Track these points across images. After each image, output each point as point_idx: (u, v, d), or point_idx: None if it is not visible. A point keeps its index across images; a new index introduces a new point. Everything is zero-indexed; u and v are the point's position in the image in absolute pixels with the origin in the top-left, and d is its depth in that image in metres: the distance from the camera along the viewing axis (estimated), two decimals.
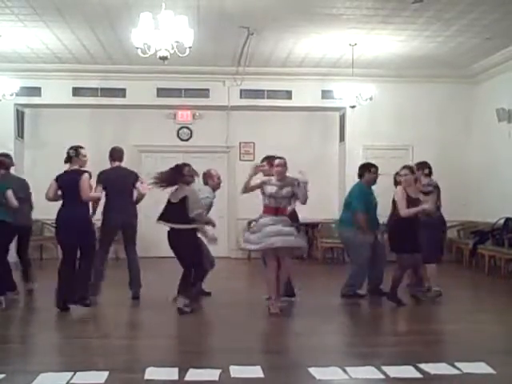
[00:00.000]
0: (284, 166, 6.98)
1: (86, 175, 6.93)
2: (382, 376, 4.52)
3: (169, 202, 7.10)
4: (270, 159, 7.32)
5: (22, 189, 7.95)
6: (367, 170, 8.25)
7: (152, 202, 13.04)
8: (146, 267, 8.02)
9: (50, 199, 7.14)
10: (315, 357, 5.08)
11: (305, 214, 12.26)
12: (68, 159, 7.12)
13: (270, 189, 6.86)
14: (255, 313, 6.79)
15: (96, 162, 12.63)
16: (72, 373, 4.46)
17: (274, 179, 6.94)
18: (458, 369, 4.66)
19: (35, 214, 12.28)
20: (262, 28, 9.71)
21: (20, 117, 12.52)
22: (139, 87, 12.28)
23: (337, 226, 9.22)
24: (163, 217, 7.01)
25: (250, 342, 5.49)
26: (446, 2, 8.49)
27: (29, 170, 12.61)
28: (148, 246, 11.20)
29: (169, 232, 6.95)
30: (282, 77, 12.34)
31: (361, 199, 7.99)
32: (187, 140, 13.05)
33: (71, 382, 4.33)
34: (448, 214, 8.61)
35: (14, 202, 7.34)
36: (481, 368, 4.69)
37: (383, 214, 8.02)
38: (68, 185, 6.94)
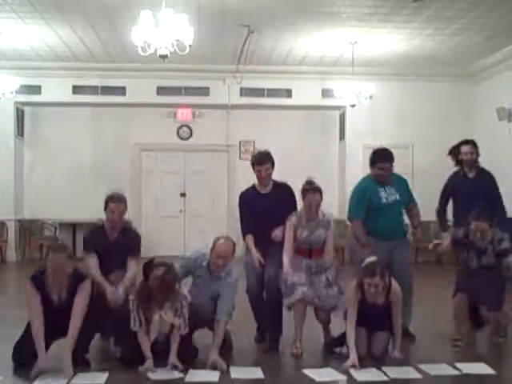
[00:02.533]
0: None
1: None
2: (382, 377, 4.51)
3: None
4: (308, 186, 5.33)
5: None
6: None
7: (152, 201, 13.16)
8: None
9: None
10: (315, 358, 5.07)
11: None
12: None
13: (301, 232, 5.27)
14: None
15: (96, 163, 12.79)
16: (72, 373, 4.46)
17: (302, 218, 5.31)
18: (457, 369, 4.65)
19: (35, 214, 12.42)
20: (262, 26, 9.70)
21: (20, 115, 12.50)
22: (139, 85, 12.26)
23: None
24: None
25: (250, 343, 5.47)
26: (446, 0, 8.48)
27: (28, 168, 12.63)
28: (148, 245, 11.18)
29: None
30: (282, 75, 12.32)
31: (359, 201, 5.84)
32: (187, 139, 13.04)
33: (71, 382, 4.33)
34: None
35: None
36: (481, 369, 4.68)
37: None
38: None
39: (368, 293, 4.84)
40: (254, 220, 5.40)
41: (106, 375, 4.44)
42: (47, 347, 4.60)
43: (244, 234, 5.48)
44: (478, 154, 6.56)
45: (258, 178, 5.51)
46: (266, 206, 5.36)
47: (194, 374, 4.50)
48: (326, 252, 5.30)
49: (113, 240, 5.32)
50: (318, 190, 5.21)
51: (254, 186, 5.61)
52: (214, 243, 4.98)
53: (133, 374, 4.51)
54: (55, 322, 4.55)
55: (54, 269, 4.53)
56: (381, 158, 5.79)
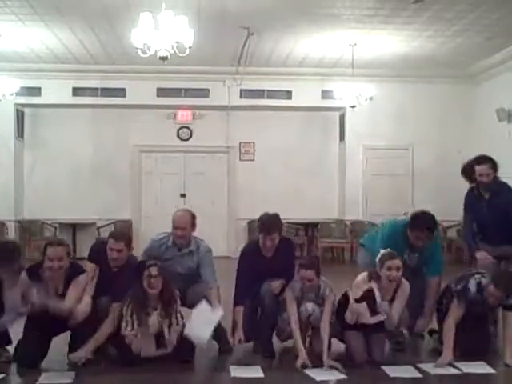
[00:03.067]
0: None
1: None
2: (382, 376, 4.52)
3: None
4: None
5: None
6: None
7: (152, 202, 13.17)
8: None
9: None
10: (315, 358, 5.06)
11: (305, 213, 12.43)
12: None
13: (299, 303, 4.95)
14: None
15: (96, 164, 12.80)
16: (73, 372, 4.48)
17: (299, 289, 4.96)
18: (458, 368, 4.65)
19: (35, 215, 12.43)
20: (261, 28, 9.71)
21: (20, 117, 12.51)
22: (139, 87, 12.27)
23: None
24: None
25: (248, 344, 5.48)
26: (446, 1, 8.49)
27: (28, 169, 12.64)
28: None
29: None
30: (282, 77, 12.34)
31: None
32: (187, 140, 13.05)
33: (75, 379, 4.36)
34: (448, 214, 8.59)
35: None
36: (481, 368, 4.69)
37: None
38: None
39: (383, 282, 4.70)
40: (252, 278, 5.13)
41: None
42: (48, 346, 4.62)
43: (235, 302, 5.11)
44: (496, 171, 5.58)
45: (263, 246, 5.16)
46: (268, 269, 5.12)
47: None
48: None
49: (114, 272, 4.94)
50: (311, 267, 4.84)
51: (257, 245, 5.23)
52: (173, 217, 5.17)
53: (133, 373, 4.53)
54: (53, 316, 4.48)
55: (52, 262, 4.46)
56: (421, 225, 5.16)
